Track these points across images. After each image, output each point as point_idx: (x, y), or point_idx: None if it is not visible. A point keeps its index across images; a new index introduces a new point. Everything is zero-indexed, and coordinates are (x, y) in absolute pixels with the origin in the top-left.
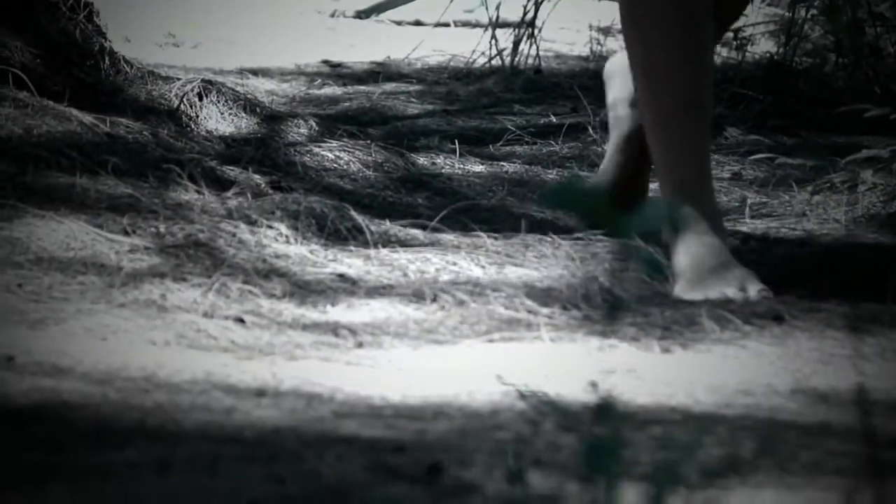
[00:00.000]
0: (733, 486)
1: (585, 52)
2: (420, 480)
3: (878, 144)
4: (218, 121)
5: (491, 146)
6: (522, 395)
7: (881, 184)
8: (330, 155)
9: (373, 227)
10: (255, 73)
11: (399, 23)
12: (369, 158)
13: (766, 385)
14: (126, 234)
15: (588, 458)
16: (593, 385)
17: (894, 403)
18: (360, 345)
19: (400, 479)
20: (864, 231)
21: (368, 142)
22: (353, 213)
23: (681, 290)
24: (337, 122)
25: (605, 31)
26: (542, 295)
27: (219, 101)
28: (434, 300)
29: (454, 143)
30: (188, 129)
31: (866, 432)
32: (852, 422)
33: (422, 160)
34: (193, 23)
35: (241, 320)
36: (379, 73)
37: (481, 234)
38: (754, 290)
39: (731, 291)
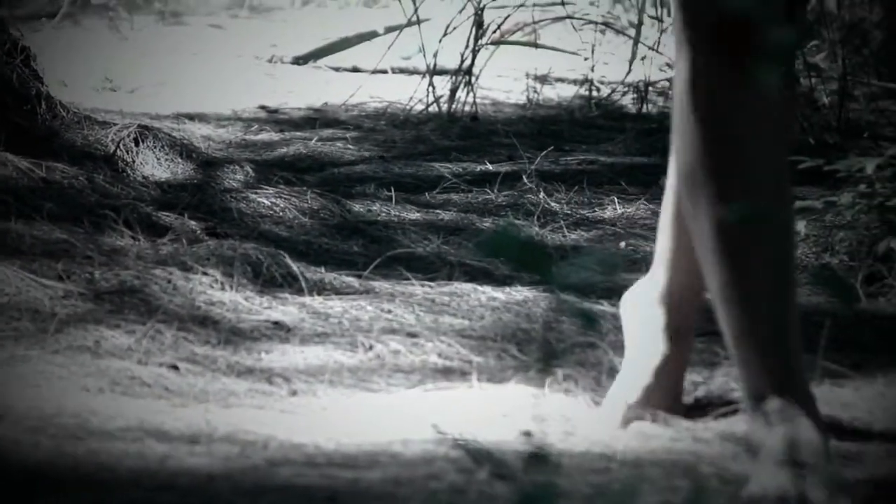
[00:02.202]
0: None
1: (522, 99)
2: None
3: (811, 195)
4: (154, 166)
5: (427, 194)
6: (456, 444)
7: (814, 235)
8: (266, 201)
9: (308, 275)
10: (191, 118)
11: (337, 69)
12: (305, 205)
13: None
14: (60, 279)
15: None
16: (527, 434)
17: None
18: (294, 393)
19: None
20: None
21: (304, 188)
22: (288, 261)
23: (754, 488)
24: (273, 169)
25: (542, 80)
26: (476, 343)
27: (155, 147)
28: (369, 349)
29: (390, 191)
30: (124, 174)
31: None
32: None
33: (357, 207)
34: (131, 67)
35: (175, 367)
36: (316, 119)
37: (415, 282)
38: (839, 500)
39: (813, 493)
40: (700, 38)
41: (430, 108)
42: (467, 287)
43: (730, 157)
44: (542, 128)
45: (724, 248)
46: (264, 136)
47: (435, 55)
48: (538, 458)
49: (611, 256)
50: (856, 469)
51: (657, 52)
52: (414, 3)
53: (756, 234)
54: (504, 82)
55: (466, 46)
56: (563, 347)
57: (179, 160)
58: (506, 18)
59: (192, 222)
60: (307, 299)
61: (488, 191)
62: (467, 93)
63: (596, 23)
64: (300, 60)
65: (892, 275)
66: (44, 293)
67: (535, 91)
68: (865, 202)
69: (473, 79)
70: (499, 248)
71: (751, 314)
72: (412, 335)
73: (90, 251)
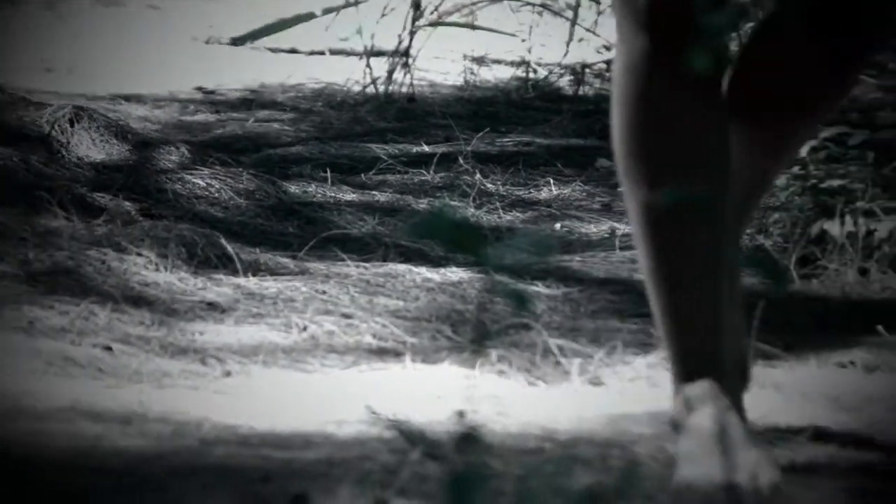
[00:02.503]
0: None
1: (459, 81)
2: None
3: None
4: (89, 147)
5: (363, 175)
6: (390, 425)
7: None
8: (201, 182)
9: (243, 256)
10: (127, 98)
11: (274, 50)
12: (241, 186)
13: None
14: None
15: (452, 487)
16: (460, 415)
17: None
18: (228, 373)
19: None
20: None
21: (240, 169)
22: (223, 242)
23: (684, 473)
24: (209, 150)
25: (479, 61)
26: (411, 324)
27: (90, 128)
28: (303, 330)
29: (326, 172)
30: (59, 155)
31: None
32: None
33: (293, 188)
34: (67, 48)
35: (108, 348)
36: (252, 100)
37: (350, 263)
38: (766, 479)
39: (741, 478)
40: (637, 21)
41: (368, 90)
42: (402, 268)
43: (660, 142)
44: (478, 109)
45: (652, 230)
46: (200, 118)
47: (372, 37)
48: (471, 439)
49: (546, 238)
50: (787, 454)
51: (594, 34)
52: None
53: (684, 218)
54: (441, 64)
55: (404, 28)
56: (497, 328)
57: (115, 141)
58: (443, 0)
59: (127, 203)
60: (242, 280)
61: (424, 172)
62: (404, 74)
63: (533, 4)
64: (237, 41)
65: (825, 257)
66: None
67: (473, 73)
68: (799, 184)
69: (410, 60)
70: (432, 230)
71: (676, 297)
72: (346, 316)
73: (24, 232)
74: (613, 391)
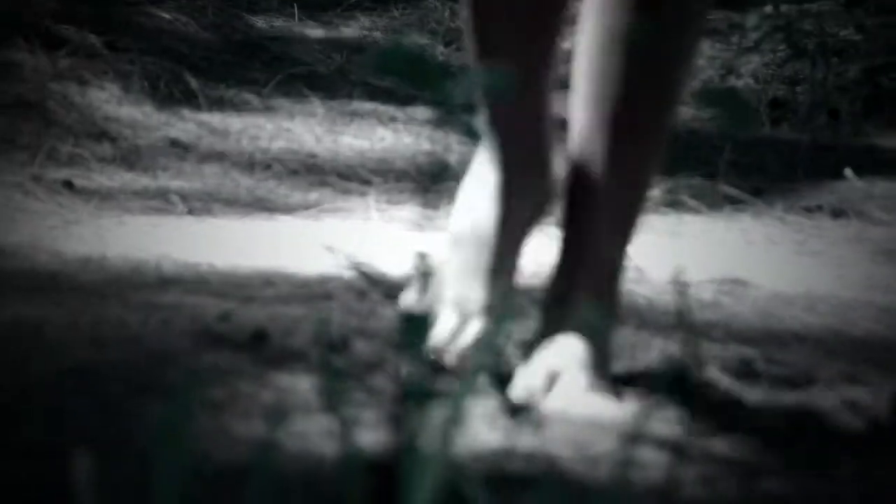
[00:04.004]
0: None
1: None
2: (244, 347)
3: (717, 18)
4: None
5: (331, 11)
6: (351, 266)
7: (719, 58)
8: (167, 16)
9: (207, 92)
10: None
11: None
12: (207, 20)
13: None
14: None
15: (407, 327)
16: (421, 256)
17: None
18: (189, 211)
19: (224, 346)
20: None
21: (206, 3)
22: (188, 77)
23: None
24: None
25: None
26: (375, 164)
27: None
28: (266, 168)
29: (293, 7)
30: None
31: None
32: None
33: (260, 23)
34: None
35: (69, 184)
36: None
37: (316, 100)
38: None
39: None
40: None
41: None
42: (368, 107)
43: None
44: None
45: None
46: None
47: None
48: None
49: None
50: (753, 293)
51: None
52: None
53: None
54: None
55: None
56: (462, 169)
57: None
58: None
59: (92, 36)
60: (206, 116)
61: (393, 9)
62: None
63: None
64: None
65: (796, 99)
66: None
67: None
68: (771, 23)
69: None
70: (391, 64)
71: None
72: (311, 155)
73: None
74: None
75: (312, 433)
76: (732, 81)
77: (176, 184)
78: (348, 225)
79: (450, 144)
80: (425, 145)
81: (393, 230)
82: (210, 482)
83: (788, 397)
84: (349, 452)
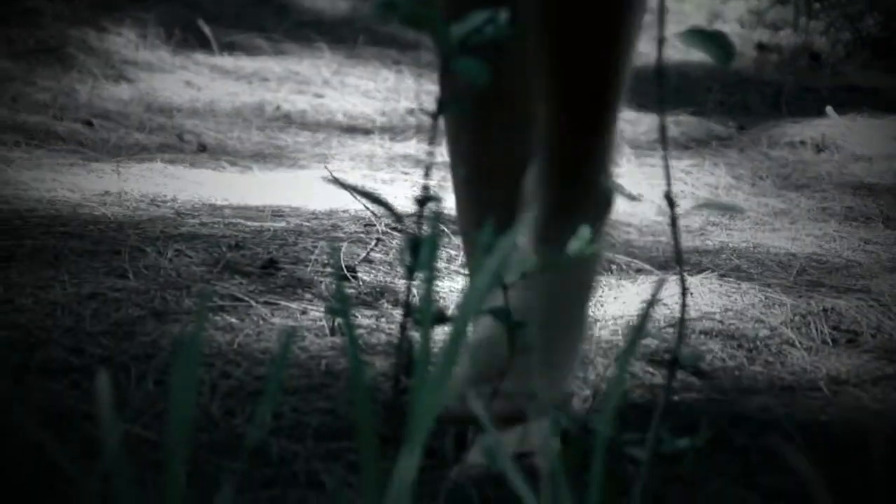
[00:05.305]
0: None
1: None
2: (257, 275)
3: None
4: None
5: None
6: (356, 198)
7: (705, 2)
8: None
9: (220, 37)
10: None
11: None
12: None
13: None
14: None
15: (412, 253)
16: (424, 188)
17: None
18: (203, 149)
19: (236, 273)
20: None
21: None
22: (201, 23)
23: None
24: None
25: None
26: (379, 104)
27: None
28: (277, 108)
29: None
30: None
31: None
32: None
33: None
34: None
35: (89, 123)
36: None
37: (324, 45)
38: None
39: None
40: None
41: None
42: (373, 50)
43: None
44: None
45: None
46: None
47: None
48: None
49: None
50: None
51: None
52: None
53: None
54: None
55: None
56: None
57: None
58: None
59: None
60: (218, 59)
61: None
62: None
63: None
64: None
65: (779, 43)
66: None
67: None
68: None
69: None
70: (391, 7)
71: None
72: (318, 95)
73: (5, 12)
74: None
75: (323, 354)
76: (719, 25)
77: (190, 123)
78: (356, 160)
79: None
80: (427, 86)
81: (398, 164)
82: (225, 398)
83: (779, 304)
84: (357, 372)
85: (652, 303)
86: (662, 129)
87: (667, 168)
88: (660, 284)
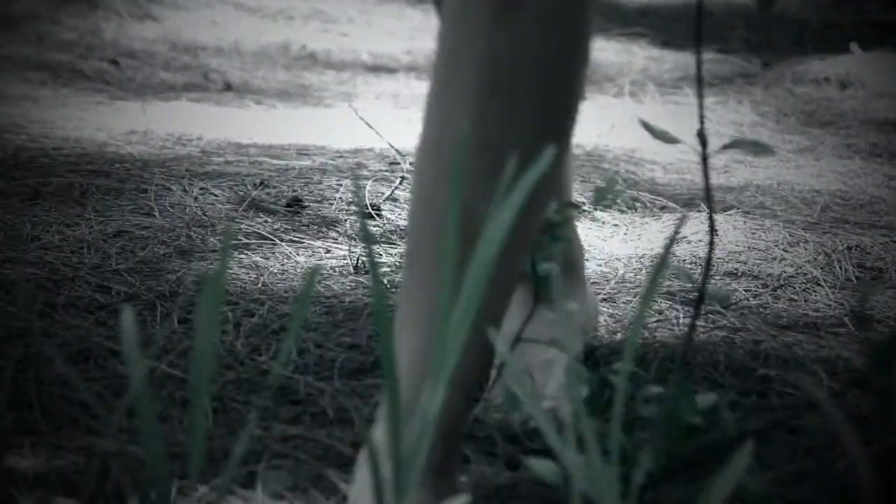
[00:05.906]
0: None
1: None
2: (280, 213)
3: None
4: None
5: None
6: (381, 137)
7: None
8: None
9: None
10: None
11: None
12: None
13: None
14: None
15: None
16: None
17: None
18: (228, 88)
19: (261, 211)
20: None
21: None
22: None
23: None
24: None
25: None
26: (405, 43)
27: None
28: (302, 47)
29: None
30: None
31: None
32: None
33: None
34: None
35: (115, 62)
36: None
37: None
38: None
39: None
40: None
41: None
42: None
43: None
44: None
45: None
46: None
47: None
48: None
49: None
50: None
51: None
52: None
53: None
54: None
55: None
56: None
57: None
58: None
59: None
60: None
61: None
62: None
63: None
64: None
65: None
66: None
67: None
68: None
69: None
70: None
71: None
72: (344, 34)
73: None
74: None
75: (346, 291)
76: None
77: (216, 62)
78: (379, 100)
79: None
80: None
81: (422, 104)
82: (250, 336)
83: (802, 242)
84: (381, 308)
85: (674, 239)
86: (698, 67)
87: (701, 107)
88: (682, 221)
